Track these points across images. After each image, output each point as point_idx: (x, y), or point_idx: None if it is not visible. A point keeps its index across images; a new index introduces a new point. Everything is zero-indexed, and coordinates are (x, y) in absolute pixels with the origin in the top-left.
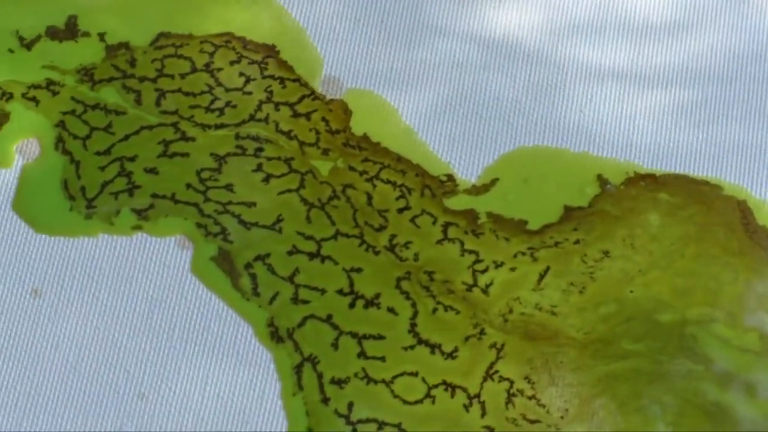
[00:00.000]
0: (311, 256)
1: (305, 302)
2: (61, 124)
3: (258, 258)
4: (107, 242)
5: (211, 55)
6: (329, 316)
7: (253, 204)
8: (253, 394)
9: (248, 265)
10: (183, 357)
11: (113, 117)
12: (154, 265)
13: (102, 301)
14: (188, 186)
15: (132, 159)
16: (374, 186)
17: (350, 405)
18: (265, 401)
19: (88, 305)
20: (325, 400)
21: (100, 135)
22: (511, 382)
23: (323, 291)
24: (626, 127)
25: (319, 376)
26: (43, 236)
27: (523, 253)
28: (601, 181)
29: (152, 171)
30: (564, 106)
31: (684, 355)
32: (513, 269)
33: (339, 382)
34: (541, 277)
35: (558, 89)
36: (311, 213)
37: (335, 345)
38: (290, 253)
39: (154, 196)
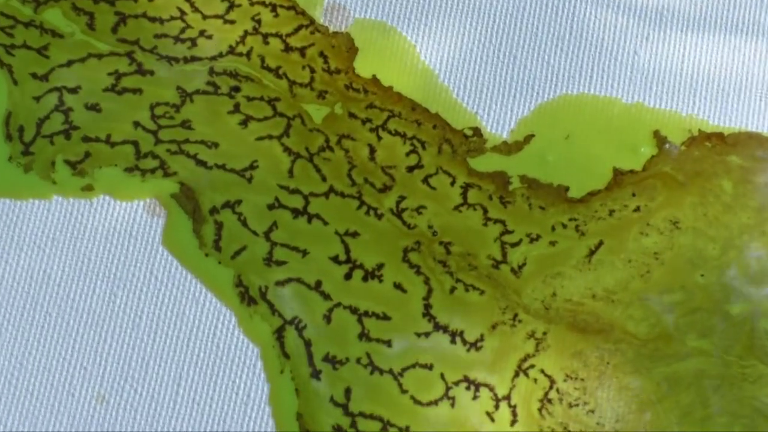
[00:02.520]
0: (296, 212)
1: (281, 263)
2: None
3: (227, 205)
4: (61, 206)
5: None
6: (318, 283)
7: (215, 144)
8: (235, 397)
9: (214, 210)
10: (151, 351)
11: (50, 38)
12: (118, 236)
13: (54, 279)
14: (136, 125)
15: (73, 90)
16: (379, 138)
17: (348, 391)
18: (250, 407)
19: (38, 285)
20: (316, 374)
21: (32, 55)
22: (552, 381)
23: (305, 252)
24: (689, 73)
25: (307, 343)
26: None
27: (564, 225)
28: (659, 139)
29: (94, 108)
30: (615, 47)
31: (754, 356)
32: (553, 243)
33: (333, 361)
34: (592, 253)
35: (608, 26)
36: (296, 164)
37: (328, 317)
38: (270, 206)
39: (86, 139)
